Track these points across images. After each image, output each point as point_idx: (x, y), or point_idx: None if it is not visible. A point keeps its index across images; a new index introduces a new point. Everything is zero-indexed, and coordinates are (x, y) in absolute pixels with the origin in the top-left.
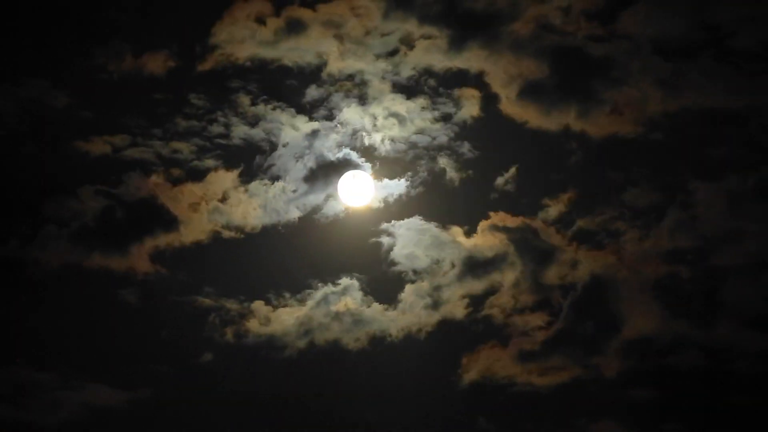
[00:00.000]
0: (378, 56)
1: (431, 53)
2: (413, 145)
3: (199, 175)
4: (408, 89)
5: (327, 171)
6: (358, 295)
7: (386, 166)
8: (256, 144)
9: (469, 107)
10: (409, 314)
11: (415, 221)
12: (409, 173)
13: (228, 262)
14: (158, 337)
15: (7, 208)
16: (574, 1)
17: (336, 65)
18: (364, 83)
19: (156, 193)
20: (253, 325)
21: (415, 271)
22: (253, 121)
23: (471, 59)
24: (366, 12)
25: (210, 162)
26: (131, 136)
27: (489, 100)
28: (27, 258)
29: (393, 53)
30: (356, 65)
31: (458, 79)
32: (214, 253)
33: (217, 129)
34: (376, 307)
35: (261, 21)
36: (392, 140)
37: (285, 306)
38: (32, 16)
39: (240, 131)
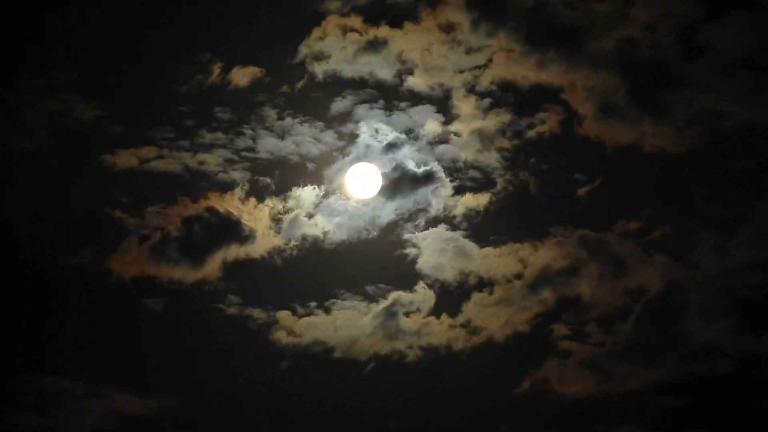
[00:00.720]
0: (461, 71)
1: (513, 67)
2: (494, 160)
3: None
4: (489, 103)
5: (408, 185)
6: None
7: (466, 180)
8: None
9: (549, 122)
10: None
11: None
12: (490, 188)
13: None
14: (186, 345)
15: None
16: (659, 17)
17: (418, 79)
18: (446, 97)
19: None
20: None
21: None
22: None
23: (553, 74)
24: (452, 27)
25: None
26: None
27: (568, 115)
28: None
29: (476, 68)
30: (438, 79)
31: (539, 93)
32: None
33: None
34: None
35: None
36: (473, 154)
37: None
38: (58, 29)
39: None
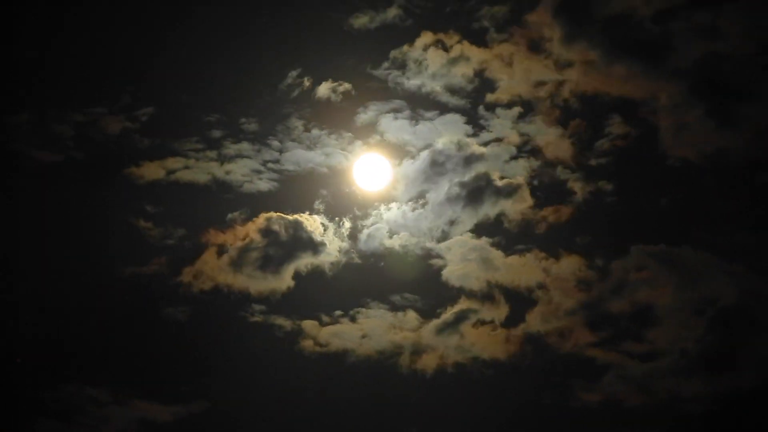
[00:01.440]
0: (540, 83)
1: (594, 79)
2: (572, 172)
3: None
4: (568, 115)
5: (484, 195)
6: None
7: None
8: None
9: (622, 133)
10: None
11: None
12: (568, 199)
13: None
14: (214, 351)
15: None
16: (744, 31)
17: (502, 90)
18: (526, 107)
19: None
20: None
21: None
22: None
23: (634, 87)
24: (536, 41)
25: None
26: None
27: (644, 127)
28: None
29: (557, 81)
30: (518, 89)
31: (616, 105)
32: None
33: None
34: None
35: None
36: (551, 166)
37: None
38: (83, 45)
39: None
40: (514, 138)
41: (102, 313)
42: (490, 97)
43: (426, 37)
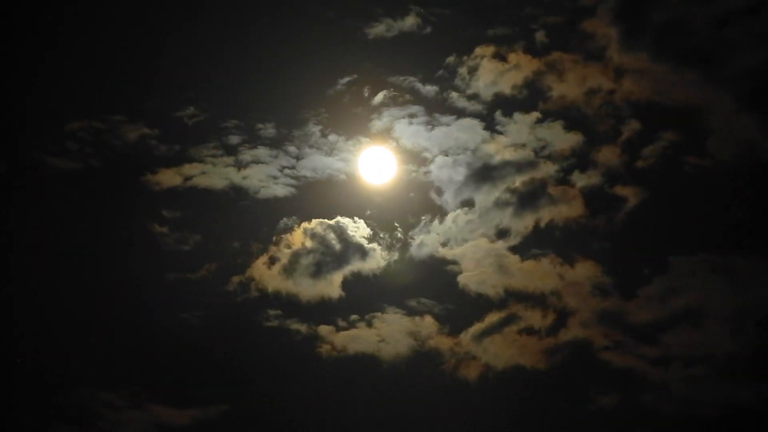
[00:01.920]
0: (593, 90)
1: (646, 86)
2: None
3: None
4: (619, 122)
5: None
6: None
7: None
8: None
9: (673, 140)
10: None
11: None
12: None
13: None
14: (231, 355)
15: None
16: None
17: (553, 96)
18: (578, 113)
19: None
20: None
21: None
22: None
23: (687, 94)
24: (593, 49)
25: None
26: None
27: (696, 135)
28: None
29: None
30: (570, 95)
31: (668, 112)
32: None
33: None
34: None
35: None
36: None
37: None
38: (100, 52)
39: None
40: (533, 143)
41: (117, 318)
42: (542, 106)
43: (484, 48)
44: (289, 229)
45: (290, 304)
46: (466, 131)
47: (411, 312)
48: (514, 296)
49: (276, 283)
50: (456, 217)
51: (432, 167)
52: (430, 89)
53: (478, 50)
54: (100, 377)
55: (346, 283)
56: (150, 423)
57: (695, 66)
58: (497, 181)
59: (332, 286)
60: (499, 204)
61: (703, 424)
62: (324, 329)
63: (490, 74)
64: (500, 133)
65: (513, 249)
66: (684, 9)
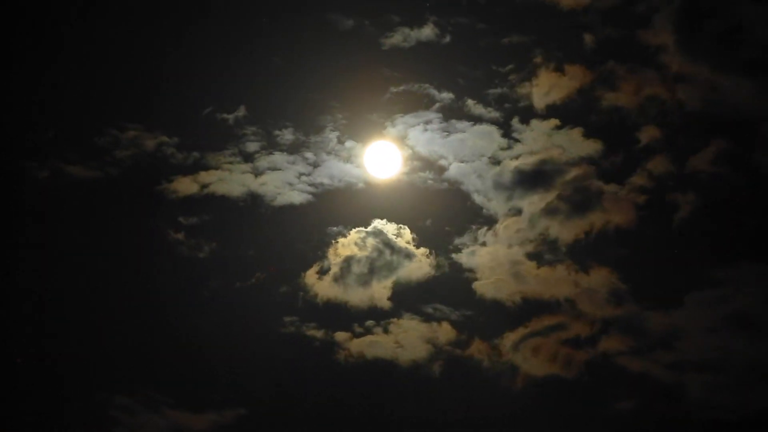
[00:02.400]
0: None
1: (701, 94)
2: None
3: None
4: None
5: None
6: None
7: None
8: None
9: (724, 149)
10: None
11: None
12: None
13: None
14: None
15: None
16: None
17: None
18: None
19: None
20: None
21: None
22: None
23: (741, 103)
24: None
25: None
26: None
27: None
28: None
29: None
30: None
31: (720, 121)
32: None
33: None
34: None
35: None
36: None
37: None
38: (120, 59)
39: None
40: (554, 151)
41: (132, 322)
42: (593, 117)
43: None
44: (329, 236)
45: (307, 310)
46: (482, 138)
47: (428, 318)
48: (530, 303)
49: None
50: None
51: (449, 174)
52: (446, 96)
53: (536, 60)
54: (116, 381)
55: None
56: (167, 428)
57: (750, 75)
58: (519, 189)
59: (380, 292)
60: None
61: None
62: (341, 335)
63: (545, 86)
64: (517, 140)
65: (530, 256)
66: (740, 17)
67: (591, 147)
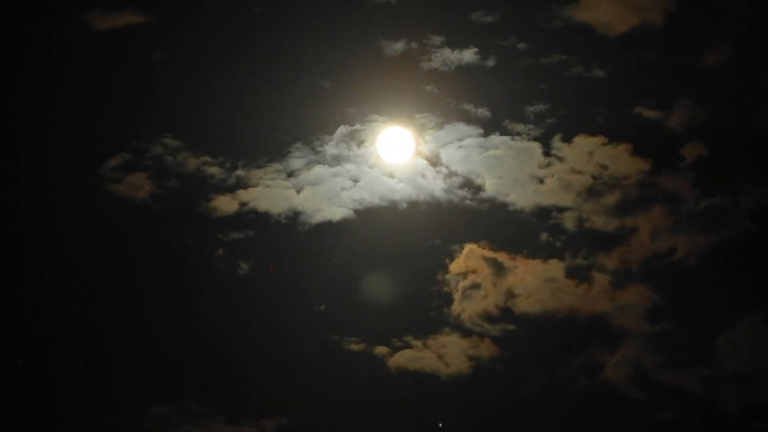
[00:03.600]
0: None
1: None
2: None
3: None
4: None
5: None
6: None
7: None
8: None
9: None
10: None
11: None
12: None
13: None
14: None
15: None
16: None
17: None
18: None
19: None
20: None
21: None
22: None
23: None
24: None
25: None
26: None
27: None
28: None
29: None
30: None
31: None
32: None
33: None
34: None
35: None
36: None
37: None
38: (158, 75)
39: None
40: (594, 169)
41: (169, 334)
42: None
43: None
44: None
45: (347, 325)
46: (522, 155)
47: (467, 333)
48: (569, 318)
49: None
50: None
51: (486, 192)
52: (483, 113)
53: None
54: (151, 391)
55: None
56: None
57: None
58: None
59: None
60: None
61: None
62: (381, 349)
63: None
64: (559, 158)
65: (568, 271)
66: None
67: (638, 165)
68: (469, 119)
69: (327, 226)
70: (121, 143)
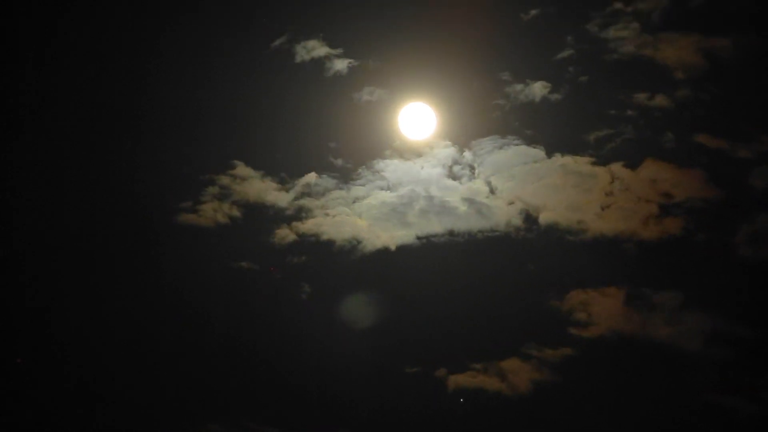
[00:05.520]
0: None
1: None
2: None
3: None
4: None
5: None
6: None
7: None
8: None
9: None
10: None
11: None
12: None
13: None
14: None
15: None
16: None
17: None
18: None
19: None
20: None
21: None
22: None
23: None
24: None
25: None
26: None
27: None
28: None
29: None
30: None
31: None
32: None
33: None
34: None
35: None
36: None
37: None
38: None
39: None
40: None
41: (230, 355)
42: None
43: None
44: None
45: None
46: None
47: (526, 358)
48: (629, 344)
49: None
50: None
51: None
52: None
53: None
54: (209, 409)
55: None
56: None
57: None
58: None
59: None
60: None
61: None
62: (440, 372)
63: None
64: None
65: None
66: None
67: (704, 191)
68: (529, 142)
69: (387, 252)
70: (194, 174)
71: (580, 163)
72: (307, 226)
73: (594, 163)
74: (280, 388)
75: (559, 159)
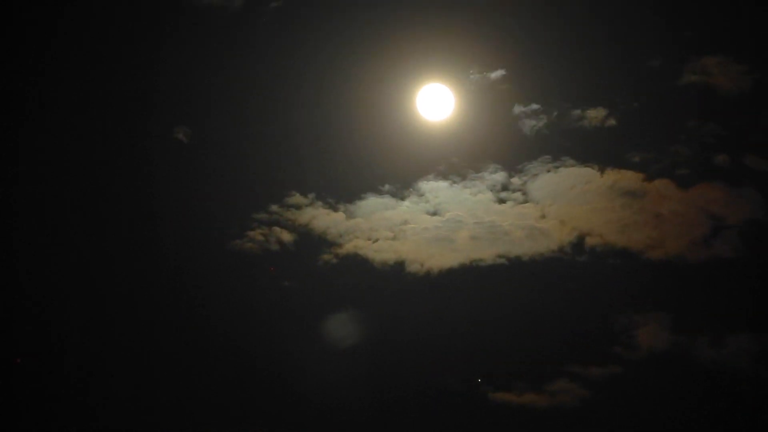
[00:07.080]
0: None
1: None
2: None
3: None
4: None
5: None
6: None
7: None
8: None
9: None
10: None
11: None
12: None
13: None
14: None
15: None
16: None
17: None
18: None
19: None
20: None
21: None
22: None
23: None
24: None
25: None
26: None
27: None
28: None
29: None
30: None
31: None
32: None
33: None
34: None
35: None
36: None
37: None
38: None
39: None
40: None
41: (271, 376)
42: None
43: None
44: None
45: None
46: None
47: (574, 378)
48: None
49: None
50: None
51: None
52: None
53: None
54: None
55: None
56: None
57: None
58: None
59: None
60: None
61: None
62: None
63: None
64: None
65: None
66: None
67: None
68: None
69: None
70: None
71: (632, 180)
72: (359, 246)
73: (644, 181)
74: (321, 403)
75: (610, 177)
